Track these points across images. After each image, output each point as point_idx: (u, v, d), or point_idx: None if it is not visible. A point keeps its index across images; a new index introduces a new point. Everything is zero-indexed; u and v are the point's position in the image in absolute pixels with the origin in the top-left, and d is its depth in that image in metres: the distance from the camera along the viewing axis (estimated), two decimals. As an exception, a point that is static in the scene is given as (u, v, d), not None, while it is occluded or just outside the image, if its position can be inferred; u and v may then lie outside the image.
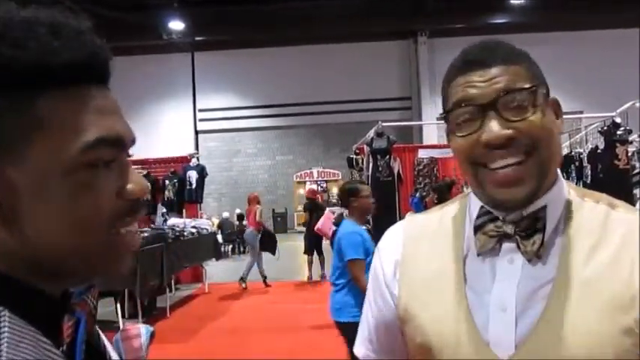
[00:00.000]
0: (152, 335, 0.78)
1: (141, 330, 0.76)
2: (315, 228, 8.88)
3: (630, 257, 0.77)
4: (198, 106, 18.06)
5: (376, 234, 7.02)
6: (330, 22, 14.61)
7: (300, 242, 10.73)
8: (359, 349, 1.02)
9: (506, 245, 0.82)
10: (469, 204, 0.90)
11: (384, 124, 7.33)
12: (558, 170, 0.85)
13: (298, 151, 18.66)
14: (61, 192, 0.52)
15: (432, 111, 16.75)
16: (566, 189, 0.85)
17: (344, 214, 4.16)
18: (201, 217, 9.74)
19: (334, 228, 7.68)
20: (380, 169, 6.85)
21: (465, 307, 0.83)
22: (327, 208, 13.04)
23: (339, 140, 17.33)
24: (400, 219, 6.90)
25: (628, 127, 6.94)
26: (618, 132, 6.80)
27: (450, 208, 0.94)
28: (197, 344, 5.79)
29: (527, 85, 0.79)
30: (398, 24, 15.72)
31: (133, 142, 0.58)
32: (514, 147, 0.78)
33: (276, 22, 14.93)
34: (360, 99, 16.96)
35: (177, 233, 7.23)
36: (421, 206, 8.43)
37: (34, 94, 0.51)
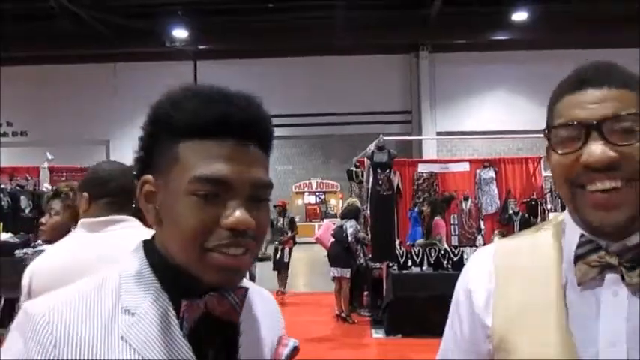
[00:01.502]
0: (295, 349, 0.88)
1: (289, 342, 0.88)
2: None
3: None
4: (199, 114, 18.12)
5: (374, 247, 7.01)
6: (333, 35, 14.68)
7: (297, 252, 10.70)
8: None
9: (610, 276, 0.79)
10: (564, 230, 0.87)
11: (385, 137, 7.34)
12: None
13: (298, 161, 18.68)
14: (177, 212, 0.74)
15: (431, 125, 16.78)
16: None
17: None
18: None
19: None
20: (380, 182, 6.84)
21: (570, 341, 0.80)
22: (326, 220, 13.02)
23: (338, 152, 17.36)
24: (399, 233, 6.85)
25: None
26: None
27: (543, 234, 0.90)
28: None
29: (636, 111, 0.76)
30: (400, 38, 15.79)
31: (253, 185, 0.76)
32: (614, 171, 0.76)
33: (278, 33, 15.01)
34: (360, 111, 16.99)
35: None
36: (419, 220, 8.44)
37: (178, 141, 0.75)
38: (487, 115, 16.30)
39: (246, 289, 0.80)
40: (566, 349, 0.79)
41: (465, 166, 9.27)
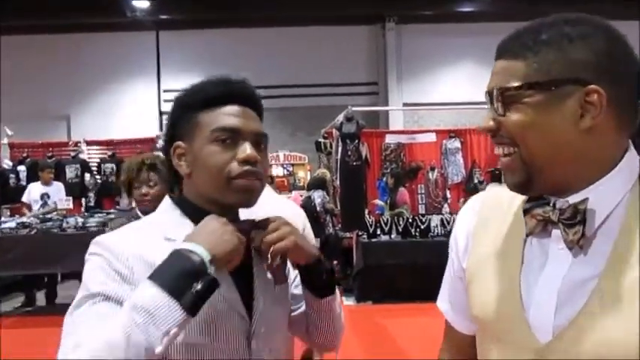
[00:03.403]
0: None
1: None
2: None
3: None
4: (162, 87, 17.70)
5: (344, 217, 7.10)
6: (299, 5, 14.50)
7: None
8: (441, 304, 1.09)
9: (555, 231, 0.82)
10: None
11: (354, 108, 7.36)
12: (624, 163, 0.80)
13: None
14: (204, 157, 1.05)
15: (398, 97, 16.86)
16: (624, 182, 0.80)
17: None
18: (166, 199, 9.65)
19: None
20: (349, 153, 6.90)
21: (516, 287, 0.85)
22: (294, 191, 13.06)
23: (305, 124, 17.30)
24: (367, 203, 6.93)
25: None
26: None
27: None
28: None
29: (515, 84, 0.80)
30: (366, 8, 15.71)
31: (255, 134, 1.08)
32: (499, 138, 0.84)
33: (243, 3, 14.73)
34: (326, 83, 16.94)
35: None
36: (387, 190, 8.56)
37: (197, 112, 1.08)
38: (453, 87, 16.45)
39: (253, 220, 1.09)
40: (510, 295, 0.85)
41: (432, 137, 9.39)
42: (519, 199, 0.90)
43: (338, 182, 7.26)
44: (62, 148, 10.42)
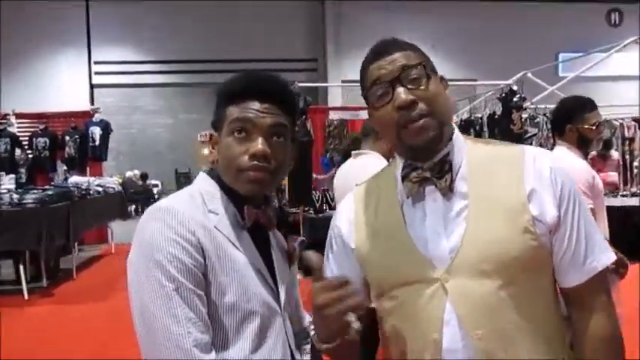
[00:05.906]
0: (302, 242, 1.27)
1: (298, 239, 1.29)
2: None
3: (516, 177, 1.08)
4: (93, 59, 16.93)
5: (291, 192, 7.12)
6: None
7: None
8: None
9: (428, 188, 1.10)
10: (396, 165, 1.17)
11: (300, 84, 7.34)
12: (454, 126, 1.16)
13: (203, 109, 18.12)
14: (223, 148, 1.15)
15: (337, 73, 16.92)
16: (462, 139, 1.15)
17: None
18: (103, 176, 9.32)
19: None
20: (296, 129, 6.88)
21: (408, 239, 1.10)
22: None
23: (245, 100, 17.07)
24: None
25: (523, 95, 7.48)
26: (514, 99, 7.30)
27: (384, 172, 1.23)
28: (105, 305, 5.63)
29: (418, 61, 1.08)
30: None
31: (273, 126, 1.13)
32: (416, 108, 1.05)
33: (180, -27, 14.23)
34: (266, 58, 16.74)
35: (84, 192, 6.87)
36: (331, 166, 8.64)
37: (226, 106, 1.16)
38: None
39: (276, 209, 1.17)
40: (406, 245, 1.09)
41: (374, 113, 9.53)
42: (386, 182, 1.19)
43: (284, 158, 7.23)
44: (-12, 122, 9.82)
